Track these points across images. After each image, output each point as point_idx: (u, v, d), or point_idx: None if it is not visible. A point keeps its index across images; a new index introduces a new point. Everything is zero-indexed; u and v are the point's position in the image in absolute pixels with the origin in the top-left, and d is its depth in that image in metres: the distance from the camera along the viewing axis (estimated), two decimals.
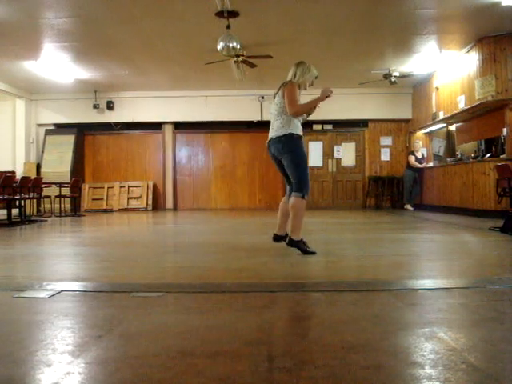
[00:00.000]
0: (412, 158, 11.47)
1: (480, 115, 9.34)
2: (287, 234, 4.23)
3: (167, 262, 3.95)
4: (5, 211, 8.26)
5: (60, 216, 10.26)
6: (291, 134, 4.03)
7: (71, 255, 4.46)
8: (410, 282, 2.86)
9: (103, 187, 12.89)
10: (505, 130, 8.38)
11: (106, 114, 12.80)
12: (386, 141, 12.92)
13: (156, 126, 13.19)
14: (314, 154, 13.01)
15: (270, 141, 4.19)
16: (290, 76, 4.20)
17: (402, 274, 3.22)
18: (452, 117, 9.98)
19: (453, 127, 11.12)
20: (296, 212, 4.00)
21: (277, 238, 4.39)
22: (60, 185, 10.45)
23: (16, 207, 8.59)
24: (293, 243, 4.04)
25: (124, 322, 2.01)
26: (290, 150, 4.03)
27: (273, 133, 4.15)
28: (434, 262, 3.83)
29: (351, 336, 1.80)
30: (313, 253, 4.01)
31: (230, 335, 1.83)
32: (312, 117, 4.79)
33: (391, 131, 12.93)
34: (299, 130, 4.11)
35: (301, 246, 4.01)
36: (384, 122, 12.87)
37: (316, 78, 4.27)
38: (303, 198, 3.99)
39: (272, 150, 4.18)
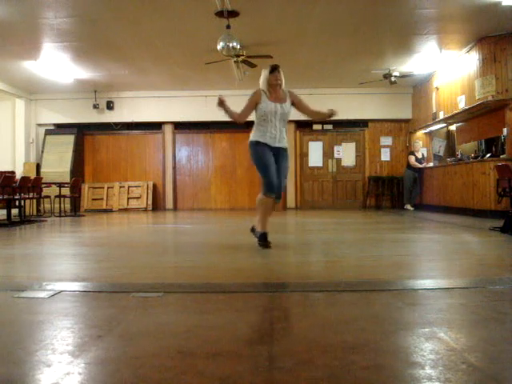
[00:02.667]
0: (412, 158, 11.46)
1: (480, 115, 9.33)
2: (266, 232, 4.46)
3: (167, 262, 3.95)
4: (4, 211, 8.26)
5: (60, 216, 10.26)
6: (250, 141, 4.44)
7: (71, 255, 4.46)
8: (410, 282, 2.86)
9: (103, 187, 12.88)
10: (505, 130, 8.38)
11: (106, 113, 12.79)
12: (386, 141, 12.91)
13: (156, 126, 13.18)
14: (314, 154, 13.02)
15: None
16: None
17: (401, 273, 3.22)
18: (452, 117, 9.97)
19: (453, 127, 11.12)
20: (256, 206, 4.49)
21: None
22: (60, 185, 10.45)
23: (16, 207, 8.59)
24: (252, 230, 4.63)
25: (124, 322, 2.01)
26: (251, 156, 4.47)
27: None
28: (433, 262, 3.83)
29: (351, 336, 1.80)
30: (263, 245, 4.31)
31: (230, 335, 1.83)
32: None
33: (391, 131, 12.92)
34: (257, 136, 4.39)
35: (254, 234, 4.55)
36: (384, 122, 12.86)
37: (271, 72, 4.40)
38: (264, 194, 4.36)
39: None
